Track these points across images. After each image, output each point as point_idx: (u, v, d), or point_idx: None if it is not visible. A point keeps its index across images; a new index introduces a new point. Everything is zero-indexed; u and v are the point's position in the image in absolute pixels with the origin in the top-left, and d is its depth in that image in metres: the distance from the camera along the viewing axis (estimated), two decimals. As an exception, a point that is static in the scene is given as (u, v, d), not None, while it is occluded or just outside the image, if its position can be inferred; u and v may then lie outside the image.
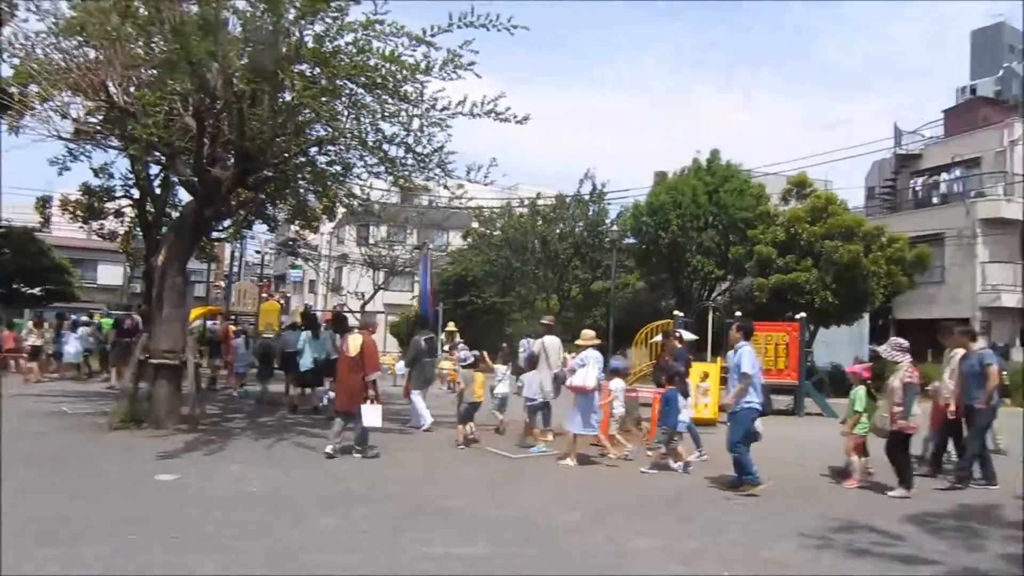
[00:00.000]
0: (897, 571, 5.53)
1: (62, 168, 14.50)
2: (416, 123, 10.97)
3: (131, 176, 19.00)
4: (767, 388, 14.82)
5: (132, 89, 10.32)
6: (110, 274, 45.26)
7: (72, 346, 18.97)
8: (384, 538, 5.97)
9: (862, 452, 8.68)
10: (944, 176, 27.75)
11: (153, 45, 9.94)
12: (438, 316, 21.58)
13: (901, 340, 8.52)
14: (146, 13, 9.24)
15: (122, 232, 22.75)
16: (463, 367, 11.64)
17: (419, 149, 11.32)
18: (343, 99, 10.55)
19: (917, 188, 28.72)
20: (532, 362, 11.21)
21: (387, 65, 9.54)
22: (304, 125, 10.95)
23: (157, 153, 12.51)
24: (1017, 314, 24.73)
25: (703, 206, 25.01)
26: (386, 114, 10.68)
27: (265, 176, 12.44)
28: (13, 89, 10.66)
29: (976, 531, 6.69)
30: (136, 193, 19.54)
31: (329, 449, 9.29)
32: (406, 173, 11.73)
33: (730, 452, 8.25)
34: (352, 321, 20.93)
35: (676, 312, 19.35)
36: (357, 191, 14.09)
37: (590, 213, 30.87)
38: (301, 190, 14.71)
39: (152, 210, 19.10)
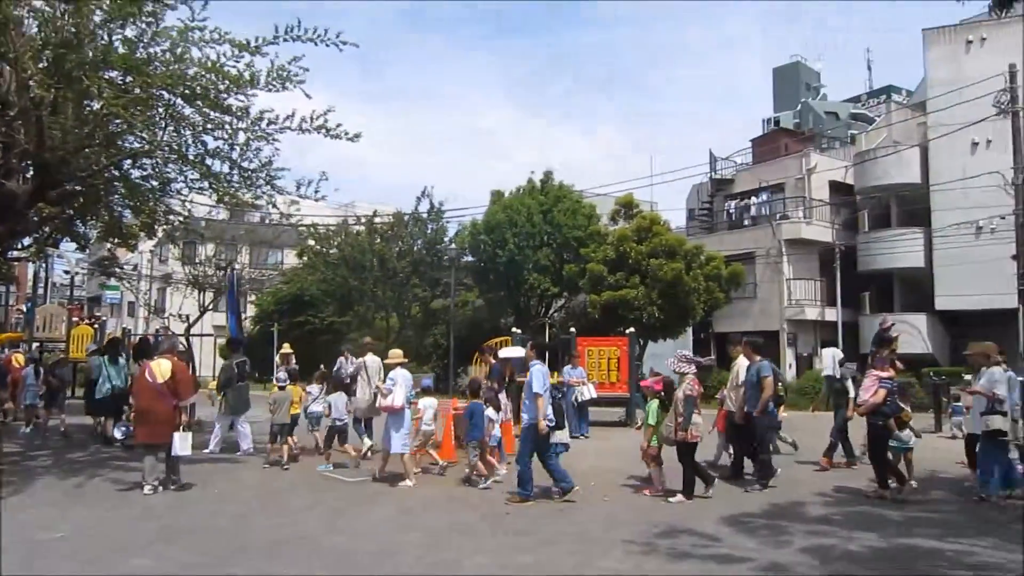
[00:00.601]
0: (714, 571, 5.87)
1: None
2: (242, 137, 10.50)
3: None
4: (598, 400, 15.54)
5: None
6: None
7: None
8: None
9: (658, 462, 9.00)
10: (753, 200, 30.12)
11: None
12: (273, 338, 20.70)
13: (687, 353, 9.16)
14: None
15: None
16: (279, 387, 11.50)
17: (245, 164, 10.83)
18: (159, 110, 9.88)
19: (731, 210, 30.95)
20: (338, 383, 11.47)
21: (208, 75, 9.04)
22: (116, 136, 10.15)
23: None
24: (817, 326, 27.28)
25: (538, 225, 25.70)
26: (208, 127, 10.14)
27: (72, 190, 11.41)
28: None
29: (783, 528, 7.25)
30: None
31: (147, 489, 8.62)
32: (231, 189, 11.16)
33: (517, 463, 8.52)
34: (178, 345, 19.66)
35: (514, 329, 19.72)
36: (178, 207, 13.23)
37: (428, 231, 30.86)
38: (116, 206, 13.61)
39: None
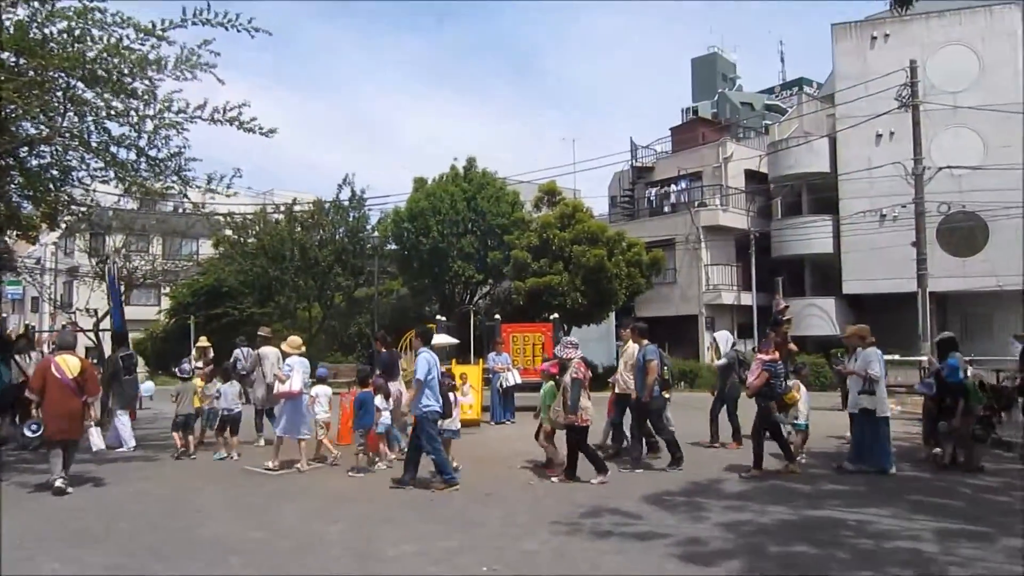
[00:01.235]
0: (635, 547, 6.02)
1: None
2: (149, 125, 10.06)
3: None
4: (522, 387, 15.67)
5: None
6: None
7: None
8: (117, 579, 5.41)
9: (552, 444, 9.12)
10: (673, 187, 30.81)
11: None
12: (190, 330, 20.03)
13: (573, 339, 9.31)
14: None
15: None
16: (181, 379, 11.48)
17: (152, 153, 10.40)
18: (58, 94, 9.36)
19: (651, 198, 31.60)
20: (228, 372, 11.61)
21: (111, 58, 8.61)
22: (9, 121, 9.56)
23: None
24: (734, 310, 28.16)
25: (462, 212, 25.63)
26: (112, 113, 9.66)
27: (-37, 179, 10.75)
28: None
29: (701, 505, 7.50)
30: None
31: (59, 483, 8.31)
32: (139, 179, 10.69)
33: (428, 455, 8.60)
34: (86, 341, 18.84)
35: (439, 316, 19.65)
36: (82, 197, 12.60)
37: (350, 219, 30.33)
38: (13, 196, 12.87)
39: None
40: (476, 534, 6.51)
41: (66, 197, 12.20)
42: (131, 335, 33.16)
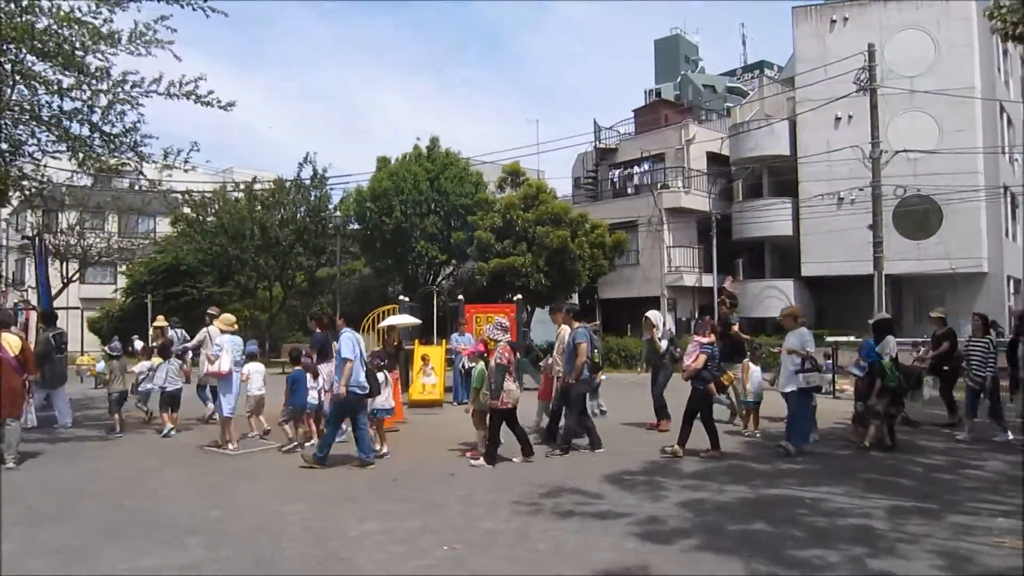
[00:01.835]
0: (595, 526, 6.10)
1: None
2: (103, 100, 9.78)
3: None
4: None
5: None
6: None
7: None
8: (80, 559, 5.32)
9: (483, 425, 9.05)
10: (636, 169, 30.97)
11: None
12: (147, 310, 19.69)
13: (504, 321, 9.31)
14: None
15: None
16: (112, 357, 11.62)
17: (107, 128, 10.11)
18: (6, 66, 9.04)
19: (615, 179, 31.73)
20: (168, 350, 11.64)
21: (62, 30, 8.33)
22: (-47, 93, 9.24)
23: None
24: (696, 291, 28.51)
25: (425, 192, 25.49)
26: (64, 86, 9.37)
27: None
28: None
29: (660, 484, 7.61)
30: None
31: (11, 463, 8.36)
32: (93, 153, 10.41)
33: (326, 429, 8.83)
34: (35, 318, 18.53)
35: (402, 297, 19.56)
36: (33, 172, 12.22)
37: (312, 198, 29.96)
38: (-40, 170, 12.43)
39: None
40: (438, 514, 6.53)
41: (16, 172, 11.83)
42: (87, 314, 32.59)
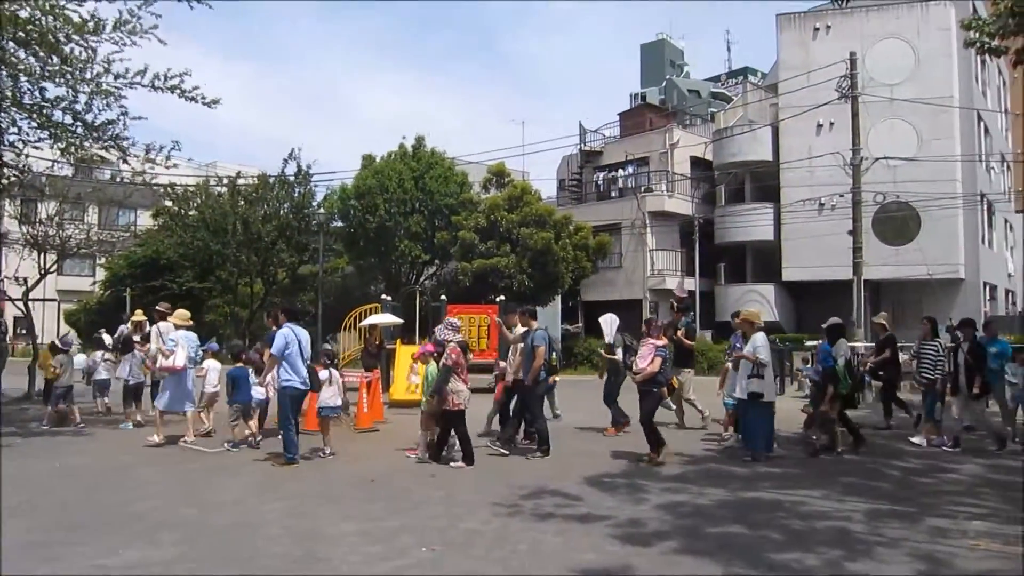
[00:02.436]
0: (575, 528, 6.11)
1: None
2: (87, 89, 9.64)
3: None
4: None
5: None
6: None
7: None
8: (51, 554, 5.25)
9: (432, 425, 8.99)
10: (621, 172, 31.09)
11: None
12: (126, 303, 19.44)
13: (454, 320, 9.27)
14: None
15: None
16: (62, 351, 11.72)
17: (89, 118, 9.98)
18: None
19: (599, 182, 31.83)
20: (126, 345, 11.81)
21: (45, 19, 8.21)
22: (-64, 81, 9.08)
23: None
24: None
25: (410, 191, 25.38)
26: (47, 74, 9.24)
27: None
28: None
29: (640, 487, 7.63)
30: None
31: None
32: (76, 141, 10.26)
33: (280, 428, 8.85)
34: (13, 311, 18.35)
35: (384, 296, 19.48)
36: (13, 161, 12.04)
37: (295, 195, 29.71)
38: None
39: None
40: (418, 514, 6.51)
41: (-4, 160, 11.67)
42: (64, 306, 32.04)
